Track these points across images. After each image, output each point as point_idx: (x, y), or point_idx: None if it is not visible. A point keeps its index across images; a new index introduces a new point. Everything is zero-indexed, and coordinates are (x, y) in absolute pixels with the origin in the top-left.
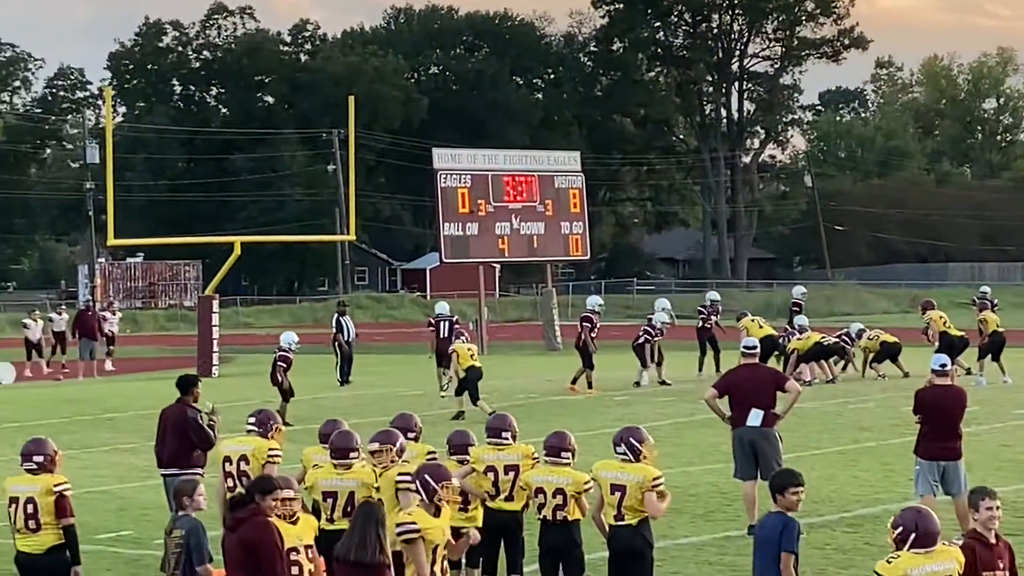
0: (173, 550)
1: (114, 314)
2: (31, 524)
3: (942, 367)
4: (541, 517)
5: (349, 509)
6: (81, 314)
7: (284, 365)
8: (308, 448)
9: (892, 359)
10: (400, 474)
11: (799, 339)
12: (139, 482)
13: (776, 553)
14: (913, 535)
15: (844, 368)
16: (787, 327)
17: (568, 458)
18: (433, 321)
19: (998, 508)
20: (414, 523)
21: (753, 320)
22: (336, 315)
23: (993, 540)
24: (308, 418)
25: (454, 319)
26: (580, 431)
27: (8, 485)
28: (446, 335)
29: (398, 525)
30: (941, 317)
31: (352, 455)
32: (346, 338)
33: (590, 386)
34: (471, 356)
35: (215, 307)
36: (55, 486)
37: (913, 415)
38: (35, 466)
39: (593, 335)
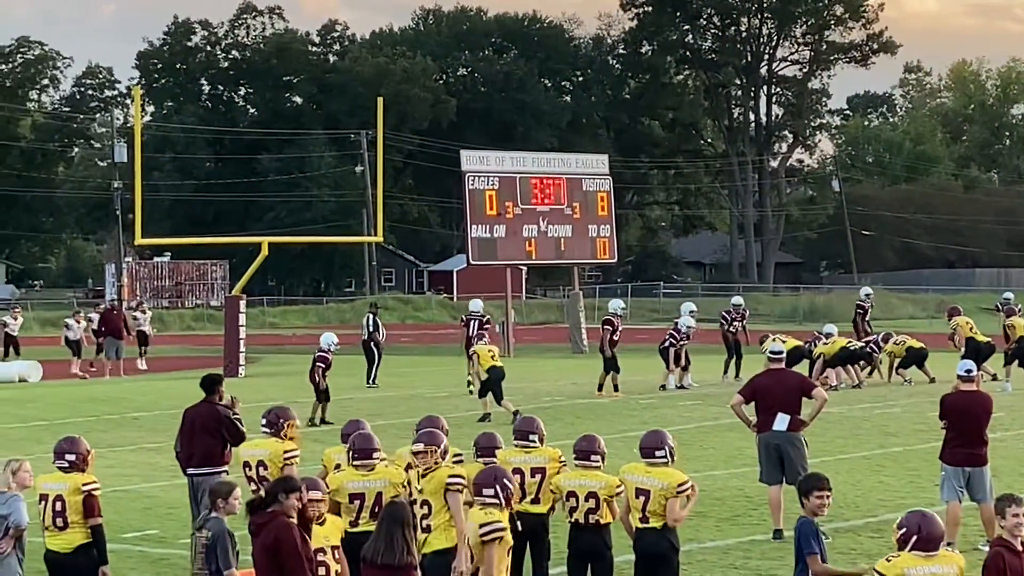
0: (199, 549)
1: (144, 313)
2: (59, 522)
3: (968, 373)
4: (573, 520)
5: (376, 510)
6: (107, 313)
7: (323, 366)
8: (330, 448)
9: (918, 365)
10: (451, 476)
11: (826, 344)
12: (165, 481)
13: (802, 556)
14: (915, 537)
15: (870, 373)
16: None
17: (598, 461)
18: (464, 319)
19: None
20: (500, 522)
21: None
22: (370, 315)
23: (1019, 547)
24: (334, 419)
25: (485, 318)
26: (606, 434)
27: (40, 483)
28: (474, 333)
29: (483, 525)
30: (968, 323)
31: (376, 455)
32: (379, 339)
33: (616, 389)
34: (492, 357)
35: (242, 307)
36: (84, 485)
37: (939, 421)
38: (67, 464)
39: (615, 338)
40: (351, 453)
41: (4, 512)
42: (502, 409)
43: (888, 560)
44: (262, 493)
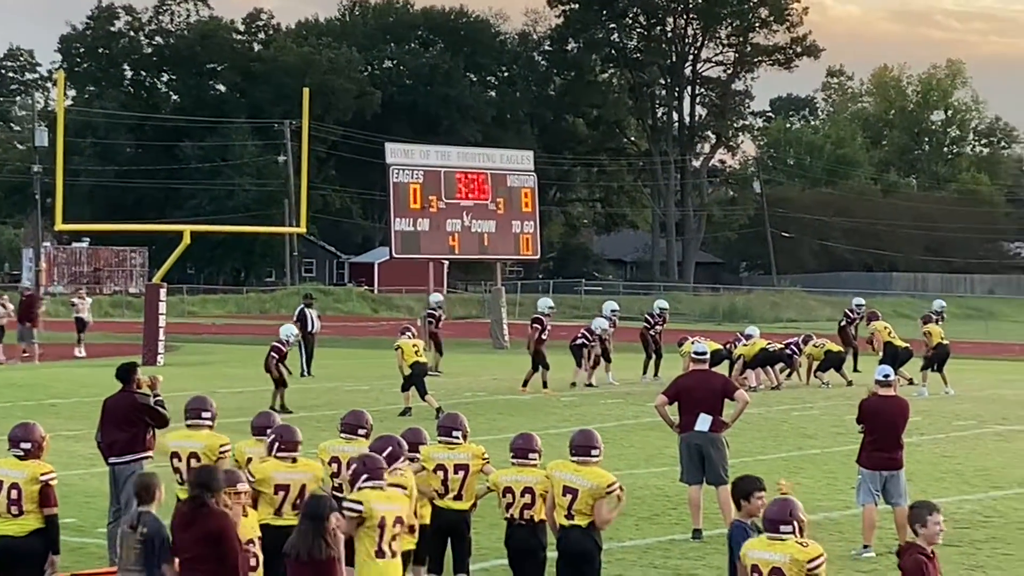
0: (133, 545)
1: (83, 299)
2: (13, 510)
3: (885, 378)
4: (508, 517)
5: (298, 503)
6: (27, 299)
7: (276, 356)
8: (241, 442)
9: (836, 368)
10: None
11: (745, 345)
12: (83, 469)
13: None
14: (763, 519)
15: (789, 375)
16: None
17: (536, 459)
18: (426, 313)
19: (944, 522)
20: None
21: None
22: (301, 307)
23: (931, 553)
24: (252, 409)
25: (433, 312)
26: (528, 430)
27: None
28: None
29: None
30: (886, 328)
31: (299, 448)
32: (310, 330)
33: (544, 386)
34: (416, 352)
35: (162, 295)
36: (42, 475)
37: (856, 424)
38: (23, 453)
39: (544, 337)
40: (277, 444)
41: None
42: (424, 404)
43: (750, 539)
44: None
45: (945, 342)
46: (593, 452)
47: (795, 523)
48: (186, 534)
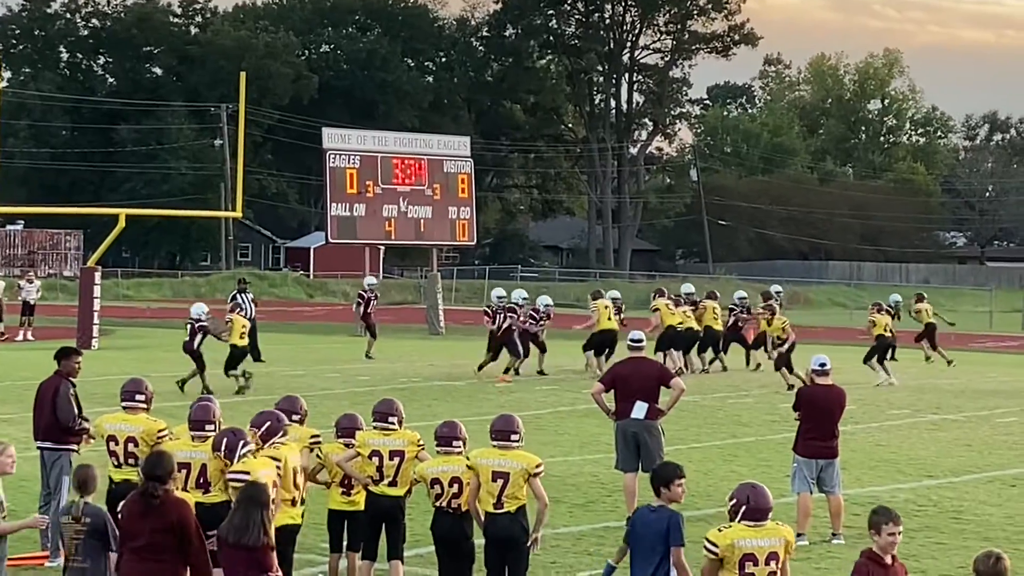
0: (73, 536)
1: (31, 282)
2: None
3: (822, 367)
4: (437, 506)
5: (202, 480)
6: None
7: (202, 335)
8: (180, 427)
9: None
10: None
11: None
12: (16, 453)
13: (661, 549)
14: (744, 507)
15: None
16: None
17: (460, 447)
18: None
19: (900, 533)
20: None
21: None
22: (235, 291)
23: (889, 561)
24: (190, 395)
25: (363, 294)
26: (463, 416)
27: None
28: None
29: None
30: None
31: (209, 428)
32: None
33: (516, 372)
34: (242, 333)
35: (97, 279)
36: None
37: (793, 412)
38: None
39: (514, 327)
40: (189, 422)
41: None
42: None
43: (720, 530)
44: (138, 471)
45: (888, 334)
46: (513, 437)
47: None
48: (142, 523)
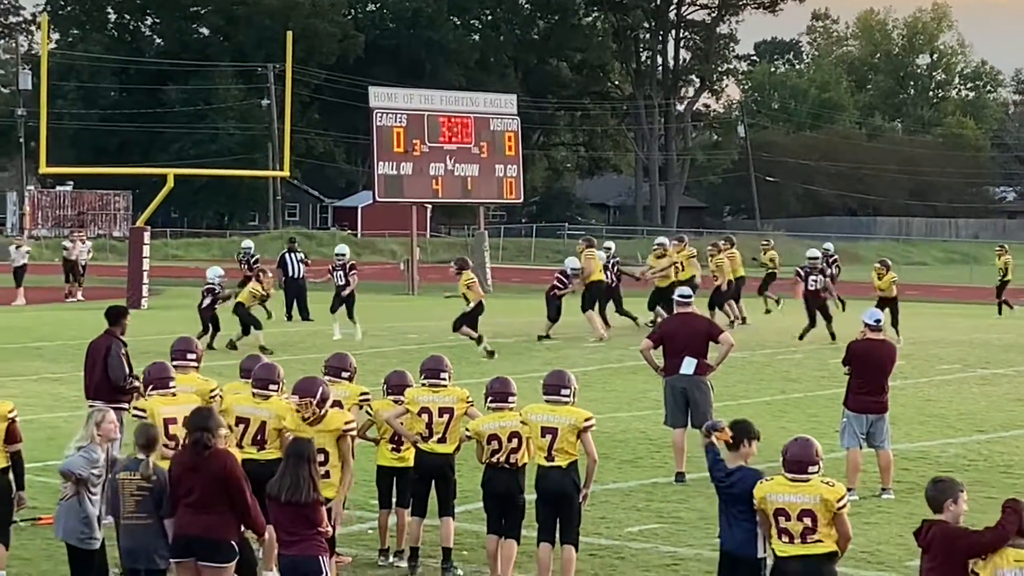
0: (136, 492)
1: (84, 242)
2: None
3: (876, 322)
4: (492, 461)
5: (259, 438)
6: None
7: (211, 298)
8: (228, 384)
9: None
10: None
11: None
12: (68, 412)
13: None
14: (783, 459)
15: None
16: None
17: (514, 402)
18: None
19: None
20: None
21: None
22: (284, 251)
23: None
24: (241, 353)
25: (350, 262)
26: (511, 375)
27: None
28: (344, 282)
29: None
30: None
31: (272, 387)
32: (293, 275)
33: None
34: (257, 296)
35: (146, 239)
36: (8, 412)
37: (843, 367)
38: None
39: (562, 294)
40: (252, 382)
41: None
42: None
43: (761, 482)
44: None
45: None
46: (563, 392)
47: (820, 463)
48: (193, 477)
